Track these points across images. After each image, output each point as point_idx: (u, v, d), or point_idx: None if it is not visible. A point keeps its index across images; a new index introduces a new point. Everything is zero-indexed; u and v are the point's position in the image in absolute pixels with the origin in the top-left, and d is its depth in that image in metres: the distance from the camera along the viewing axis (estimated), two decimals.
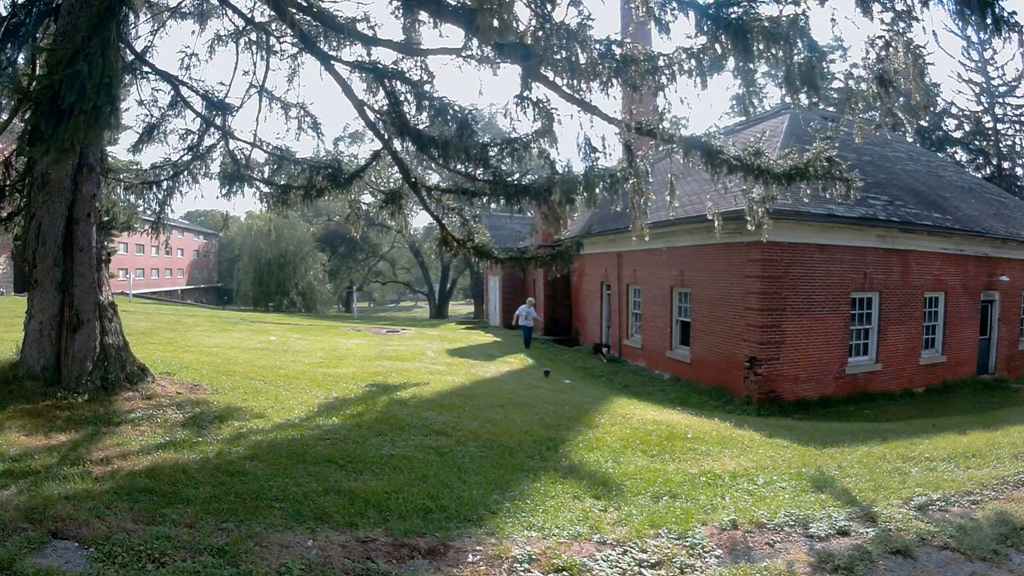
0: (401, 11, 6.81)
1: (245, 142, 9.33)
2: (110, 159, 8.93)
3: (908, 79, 5.66)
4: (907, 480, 4.98)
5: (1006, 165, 32.69)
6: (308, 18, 7.54)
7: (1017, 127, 32.38)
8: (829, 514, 4.08)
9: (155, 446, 4.65)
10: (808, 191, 7.02)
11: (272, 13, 8.01)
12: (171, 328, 15.15)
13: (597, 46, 5.76)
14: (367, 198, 10.58)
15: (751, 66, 5.52)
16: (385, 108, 7.79)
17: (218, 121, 8.99)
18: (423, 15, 6.58)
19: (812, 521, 3.94)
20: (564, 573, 3.14)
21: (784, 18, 5.26)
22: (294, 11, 7.08)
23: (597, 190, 7.30)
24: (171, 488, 3.81)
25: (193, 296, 54.58)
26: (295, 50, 8.90)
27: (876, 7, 5.34)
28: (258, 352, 11.79)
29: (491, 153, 7.66)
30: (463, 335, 21.63)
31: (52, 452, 4.28)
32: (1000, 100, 32.46)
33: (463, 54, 6.53)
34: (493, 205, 9.14)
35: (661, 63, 5.81)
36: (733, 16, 5.20)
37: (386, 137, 8.30)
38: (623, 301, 17.57)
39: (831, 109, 24.23)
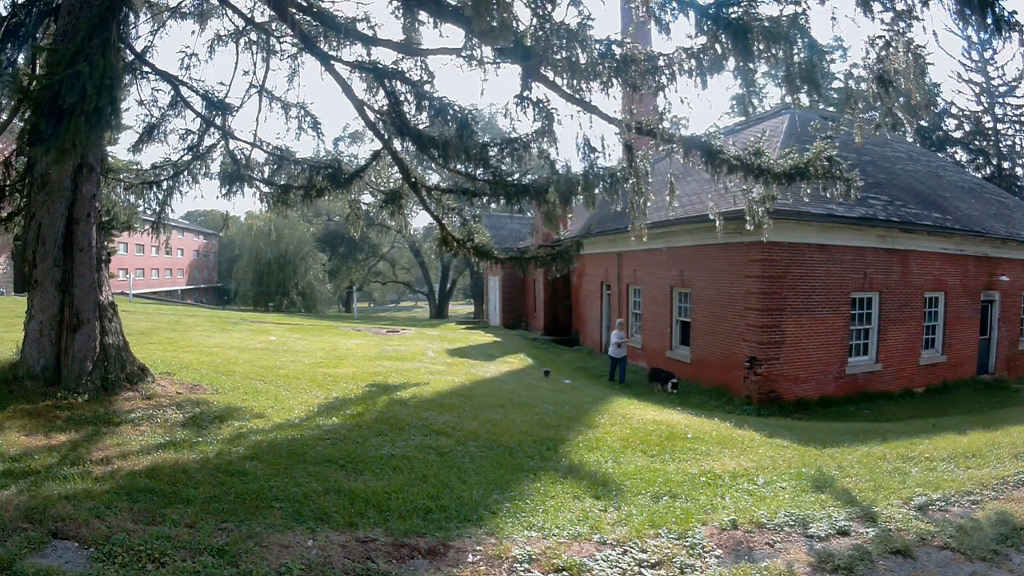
0: (401, 11, 6.83)
1: (245, 142, 9.35)
2: (110, 159, 8.93)
3: (908, 79, 5.66)
4: (907, 480, 4.98)
5: (1006, 165, 32.67)
6: (308, 18, 7.54)
7: (1017, 127, 32.35)
8: (829, 514, 4.07)
9: (155, 446, 4.65)
10: (808, 191, 7.01)
11: (272, 13, 8.02)
12: (171, 328, 15.15)
13: (597, 46, 5.76)
14: (367, 198, 10.59)
15: (751, 66, 5.52)
16: (385, 108, 7.79)
17: (218, 121, 8.99)
18: (423, 15, 6.59)
19: (812, 521, 3.94)
20: (564, 573, 3.14)
21: (784, 18, 5.26)
22: (294, 11, 7.08)
23: (597, 190, 7.31)
24: (171, 488, 3.81)
25: (193, 296, 54.54)
26: (295, 50, 8.92)
27: (876, 6, 5.33)
28: (258, 352, 11.79)
29: (491, 153, 7.66)
30: (463, 335, 21.63)
31: (52, 452, 4.28)
32: (1000, 100, 32.44)
33: (463, 54, 6.53)
34: (493, 205, 9.14)
35: (661, 63, 5.82)
36: (733, 16, 5.20)
37: (386, 137, 8.31)
38: (623, 301, 17.56)
39: (831, 109, 24.24)
